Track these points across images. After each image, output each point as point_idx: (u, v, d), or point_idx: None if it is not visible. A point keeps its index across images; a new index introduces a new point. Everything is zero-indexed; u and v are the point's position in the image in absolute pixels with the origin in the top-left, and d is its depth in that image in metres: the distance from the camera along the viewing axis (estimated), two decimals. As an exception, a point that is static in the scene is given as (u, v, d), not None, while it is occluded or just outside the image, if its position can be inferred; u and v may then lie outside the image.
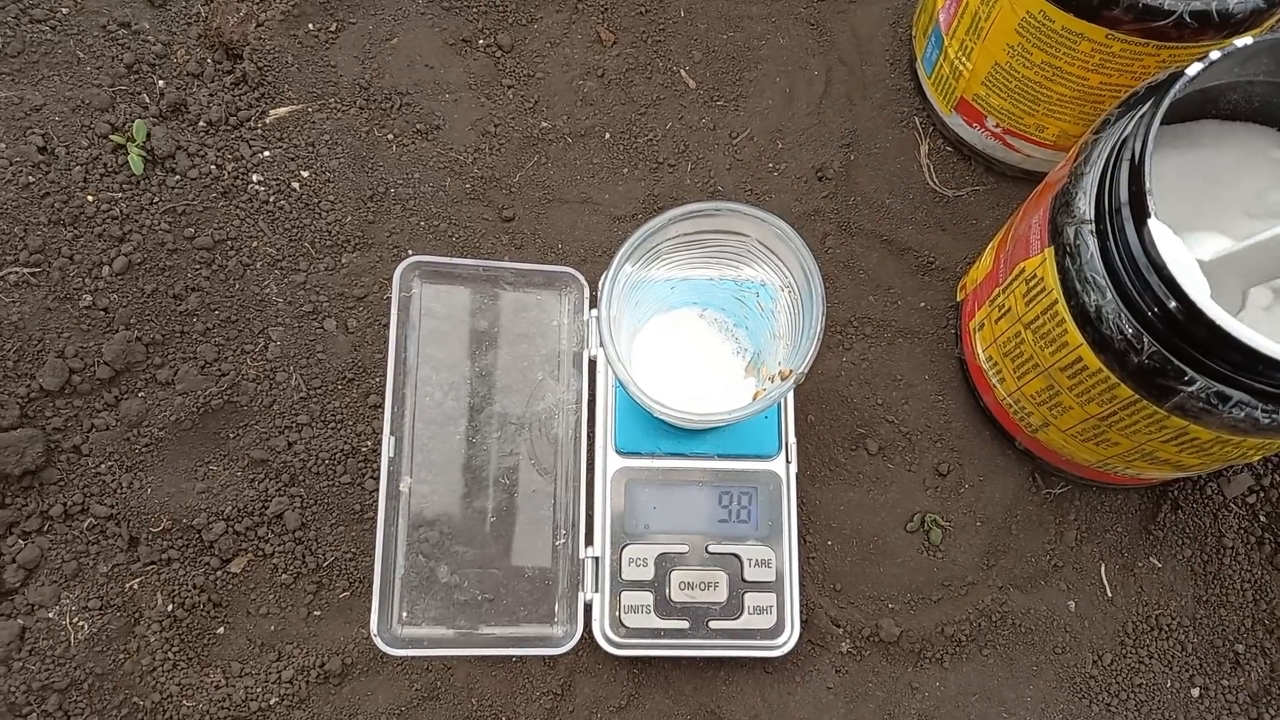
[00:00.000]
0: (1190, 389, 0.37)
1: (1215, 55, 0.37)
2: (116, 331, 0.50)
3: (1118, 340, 0.38)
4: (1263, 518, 0.54)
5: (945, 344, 0.56)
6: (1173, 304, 0.35)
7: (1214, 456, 0.42)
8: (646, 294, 0.48)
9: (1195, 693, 0.52)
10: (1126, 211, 0.37)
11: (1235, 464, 0.44)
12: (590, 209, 0.58)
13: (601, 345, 0.39)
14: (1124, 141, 0.38)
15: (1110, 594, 0.53)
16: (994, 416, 0.53)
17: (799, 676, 0.51)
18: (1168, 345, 0.37)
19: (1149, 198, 0.35)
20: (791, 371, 0.38)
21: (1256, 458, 0.42)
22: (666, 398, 0.42)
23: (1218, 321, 0.34)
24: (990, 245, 0.52)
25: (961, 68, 0.53)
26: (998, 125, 0.54)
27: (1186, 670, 0.52)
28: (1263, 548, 0.53)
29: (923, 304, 0.57)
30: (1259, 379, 0.36)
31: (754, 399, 0.44)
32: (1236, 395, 0.36)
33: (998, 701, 0.51)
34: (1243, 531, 0.53)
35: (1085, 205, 0.39)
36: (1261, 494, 0.54)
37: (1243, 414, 0.37)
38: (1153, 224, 0.35)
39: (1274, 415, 0.36)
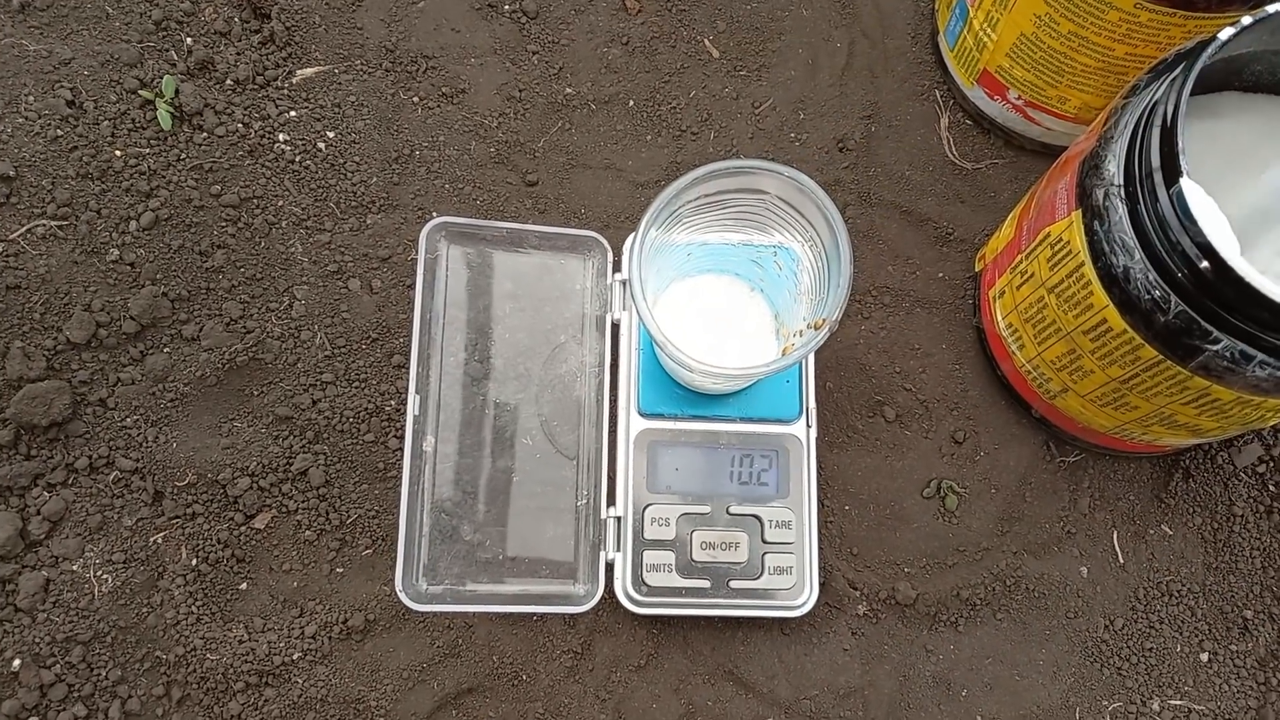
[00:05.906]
0: (1215, 348, 0.38)
1: (1248, 20, 0.37)
2: (143, 286, 0.50)
3: (1145, 301, 0.39)
4: (1272, 487, 0.55)
5: (963, 314, 0.57)
6: (1203, 264, 0.36)
7: (1233, 419, 0.42)
8: (666, 260, 0.48)
9: (1204, 657, 0.53)
10: (1158, 176, 0.37)
11: (1250, 429, 0.45)
12: (613, 175, 0.58)
13: (632, 298, 0.40)
14: (1154, 106, 0.39)
15: (1122, 560, 0.54)
16: (1010, 384, 0.54)
17: (816, 638, 0.52)
18: (1194, 304, 0.37)
19: (1181, 158, 0.36)
20: (824, 321, 0.39)
21: (1274, 421, 0.43)
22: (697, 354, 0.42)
23: (1247, 279, 0.35)
24: (1011, 215, 0.52)
25: (986, 39, 0.53)
26: (1020, 98, 0.55)
27: (1196, 635, 0.53)
28: (1272, 516, 0.54)
29: (941, 274, 0.58)
30: (1283, 337, 0.37)
31: (783, 354, 0.44)
32: (1259, 355, 0.37)
33: (1011, 664, 0.52)
34: (1252, 500, 0.54)
35: (1115, 169, 0.40)
36: (1271, 463, 0.55)
37: (1265, 373, 0.37)
38: (1185, 183, 0.36)
39: (1296, 374, 0.37)
